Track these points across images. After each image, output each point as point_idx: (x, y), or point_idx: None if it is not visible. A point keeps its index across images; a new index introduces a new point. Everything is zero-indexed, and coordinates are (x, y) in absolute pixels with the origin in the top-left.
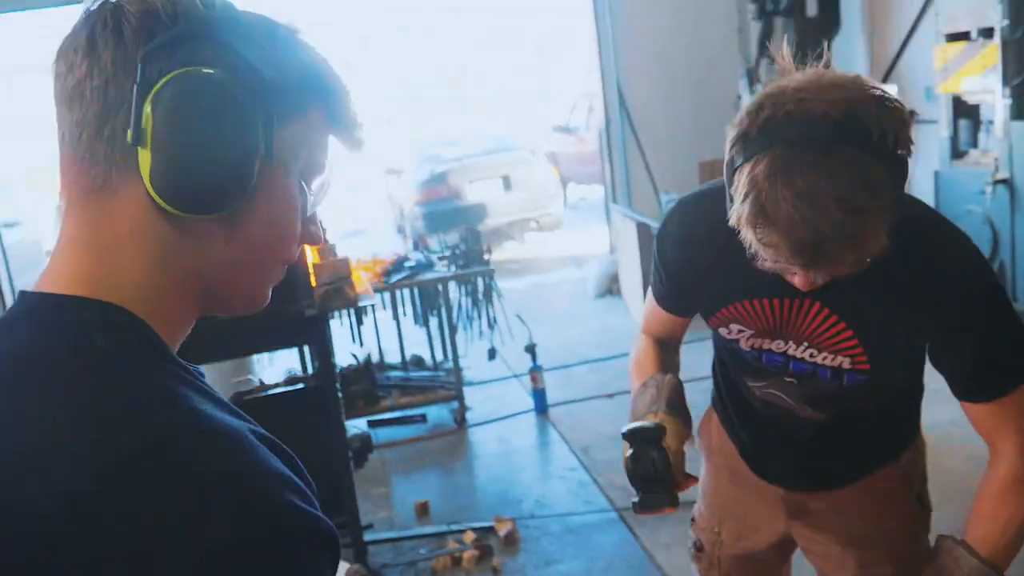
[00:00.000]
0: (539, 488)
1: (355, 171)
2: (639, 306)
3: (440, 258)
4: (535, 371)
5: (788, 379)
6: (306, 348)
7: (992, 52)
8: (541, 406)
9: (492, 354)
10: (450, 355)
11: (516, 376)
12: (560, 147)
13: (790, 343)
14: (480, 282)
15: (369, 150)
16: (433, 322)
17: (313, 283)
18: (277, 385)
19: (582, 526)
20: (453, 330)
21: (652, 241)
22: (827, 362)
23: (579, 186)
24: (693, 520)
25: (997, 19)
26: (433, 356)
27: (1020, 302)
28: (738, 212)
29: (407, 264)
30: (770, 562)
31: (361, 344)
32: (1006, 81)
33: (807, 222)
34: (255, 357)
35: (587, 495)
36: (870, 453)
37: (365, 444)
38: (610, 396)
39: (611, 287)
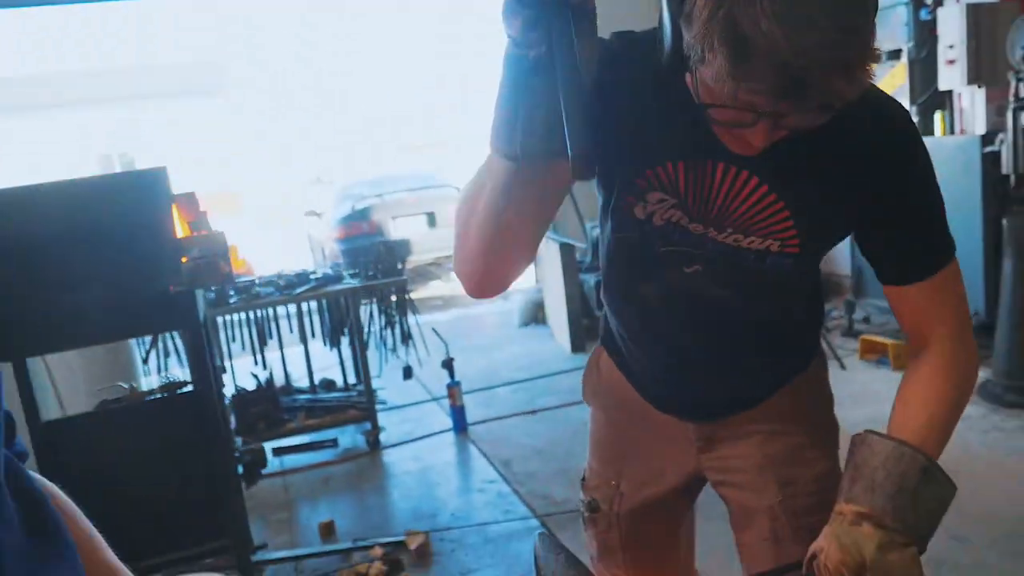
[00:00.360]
0: (455, 501)
1: (274, 215)
2: (565, 333)
3: (352, 275)
4: (453, 387)
5: (692, 269)
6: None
7: (900, 72)
8: (460, 424)
9: (408, 372)
10: (362, 376)
11: (435, 399)
12: None
13: (711, 229)
14: (394, 297)
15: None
16: (345, 344)
17: (183, 259)
18: (152, 392)
19: (501, 535)
20: (364, 347)
21: (575, 264)
22: (753, 246)
23: None
24: (583, 481)
25: (904, 41)
26: (345, 379)
27: None
28: (699, 34)
29: (312, 276)
30: (676, 509)
31: (264, 366)
32: (913, 99)
33: (792, 44)
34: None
35: (507, 505)
36: (779, 363)
37: (257, 458)
38: (532, 412)
39: (536, 315)
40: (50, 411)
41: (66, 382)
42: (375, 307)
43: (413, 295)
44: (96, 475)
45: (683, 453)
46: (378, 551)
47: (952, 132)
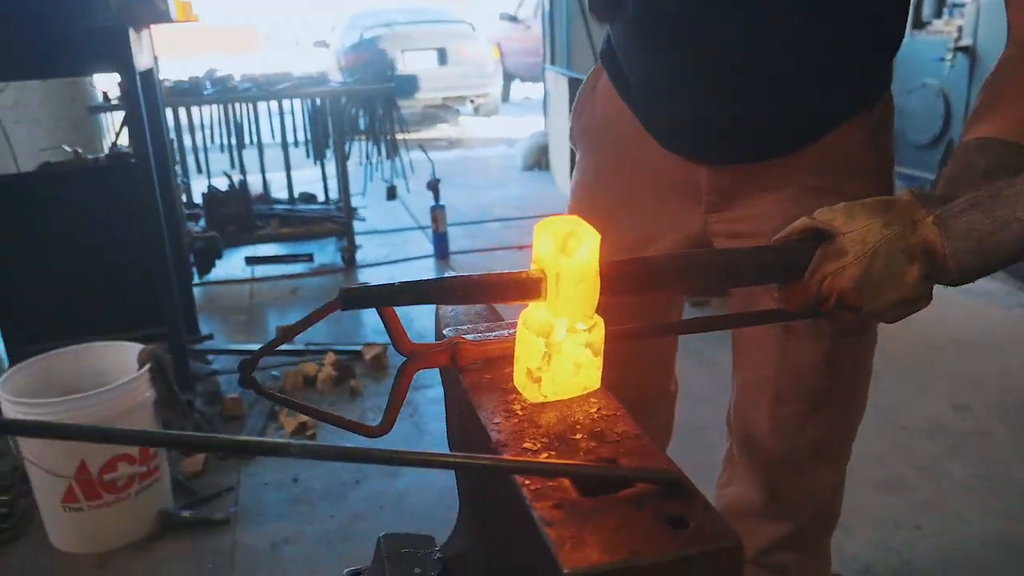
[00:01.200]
0: (422, 322)
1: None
2: (566, 178)
3: (339, 83)
4: (436, 210)
5: None
6: None
7: None
8: (441, 251)
9: (392, 193)
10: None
11: (420, 228)
12: (506, 38)
13: None
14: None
15: None
16: (331, 161)
17: None
18: (99, 159)
19: None
20: (344, 157)
21: None
22: None
23: (524, 84)
24: None
25: None
26: (327, 194)
27: None
28: None
29: (296, 76)
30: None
31: (241, 170)
32: None
33: None
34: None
35: None
36: (838, 85)
37: (211, 246)
38: (520, 248)
39: (540, 160)
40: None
41: (25, 143)
42: (362, 120)
43: (418, 135)
44: (29, 238)
45: (686, 211)
46: (332, 356)
47: None
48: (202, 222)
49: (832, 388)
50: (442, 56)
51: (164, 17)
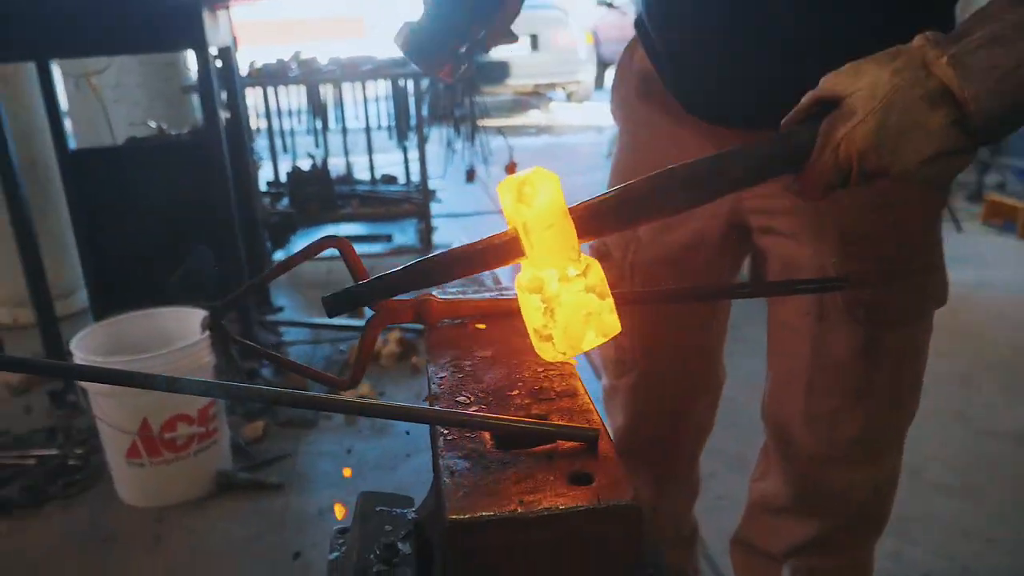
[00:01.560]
0: None
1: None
2: None
3: None
4: None
5: None
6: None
7: None
8: None
9: (470, 176)
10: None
11: (499, 212)
12: (602, 25)
13: None
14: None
15: None
16: (413, 145)
17: None
18: (180, 135)
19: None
20: (423, 140)
21: None
22: None
23: None
24: None
25: None
26: (408, 177)
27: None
28: None
29: (379, 60)
30: (705, 266)
31: (325, 152)
32: None
33: None
34: None
35: None
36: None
37: (286, 223)
38: None
39: None
40: (103, 139)
41: (125, 119)
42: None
43: (508, 121)
44: (114, 208)
45: None
46: (396, 333)
47: None
48: (286, 200)
49: (873, 380)
50: (534, 42)
51: None
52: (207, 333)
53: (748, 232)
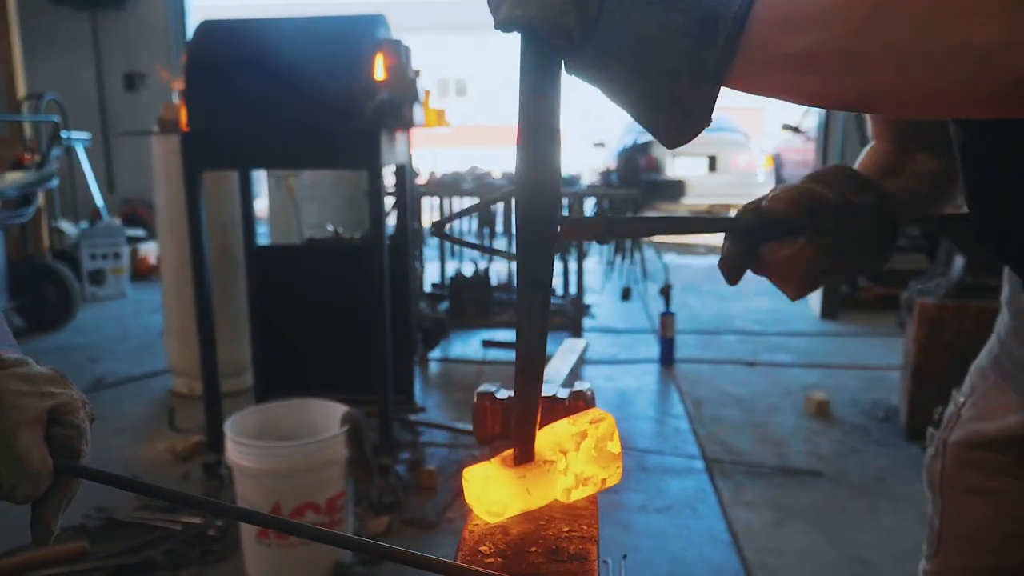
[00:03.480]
0: (628, 424)
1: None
2: (817, 295)
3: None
4: (665, 315)
5: None
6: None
7: None
8: (667, 356)
9: (626, 293)
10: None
11: (654, 332)
12: (786, 148)
13: None
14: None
15: None
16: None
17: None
18: (352, 239)
19: (658, 467)
20: (582, 256)
21: None
22: None
23: None
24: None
25: None
26: (566, 289)
27: None
28: None
29: None
30: (1007, 467)
31: (489, 259)
32: None
33: None
34: None
35: (678, 441)
36: None
37: (437, 327)
38: (751, 364)
39: None
40: (292, 238)
41: (317, 218)
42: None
43: (679, 239)
44: (287, 300)
45: None
46: None
47: None
48: (446, 303)
49: None
50: (712, 163)
51: (406, 123)
52: (345, 428)
53: None
